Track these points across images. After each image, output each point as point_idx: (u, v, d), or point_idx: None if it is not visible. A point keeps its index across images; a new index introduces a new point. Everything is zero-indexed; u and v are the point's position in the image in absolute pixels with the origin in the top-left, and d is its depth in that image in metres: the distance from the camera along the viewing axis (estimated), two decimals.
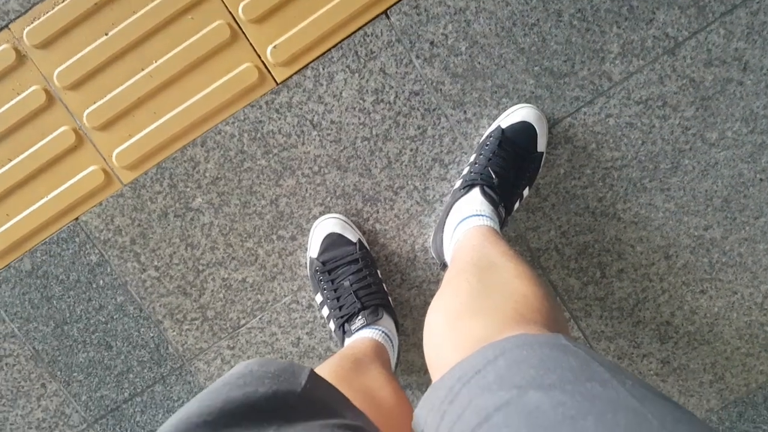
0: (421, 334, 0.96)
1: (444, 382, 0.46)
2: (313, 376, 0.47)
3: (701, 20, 0.88)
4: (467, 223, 0.79)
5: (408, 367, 0.99)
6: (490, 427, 0.36)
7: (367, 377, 0.67)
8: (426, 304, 0.96)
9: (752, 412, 1.03)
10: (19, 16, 0.87)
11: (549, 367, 0.39)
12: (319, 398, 0.45)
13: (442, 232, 0.86)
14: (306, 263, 0.94)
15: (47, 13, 0.87)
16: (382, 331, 0.84)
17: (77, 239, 0.94)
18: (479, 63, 0.89)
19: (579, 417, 0.33)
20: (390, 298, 0.91)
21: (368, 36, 0.88)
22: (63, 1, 0.86)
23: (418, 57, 0.89)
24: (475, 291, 0.59)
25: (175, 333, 0.97)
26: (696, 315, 0.98)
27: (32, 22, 0.87)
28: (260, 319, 0.97)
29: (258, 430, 0.38)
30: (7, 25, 0.87)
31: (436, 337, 0.57)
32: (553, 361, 0.40)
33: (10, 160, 0.91)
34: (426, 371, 0.96)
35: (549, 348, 0.42)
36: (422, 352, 0.59)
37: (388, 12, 0.88)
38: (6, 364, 0.98)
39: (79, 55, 0.88)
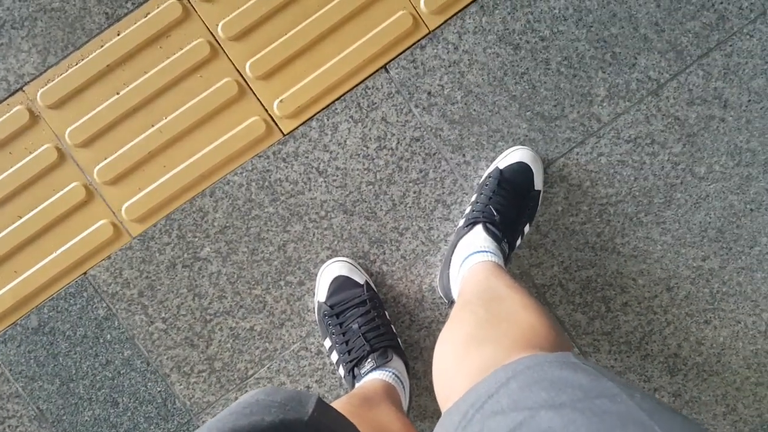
0: (432, 377, 0.96)
1: (458, 407, 0.46)
2: (321, 405, 0.47)
3: (680, 63, 0.94)
4: (472, 259, 0.81)
5: (421, 413, 0.98)
6: None
7: (377, 412, 0.67)
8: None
9: None
10: (33, 79, 0.91)
11: (560, 387, 0.40)
12: (326, 426, 0.45)
13: (449, 269, 0.88)
14: (314, 308, 0.94)
15: (61, 75, 0.91)
16: (393, 373, 0.83)
17: (85, 294, 0.94)
18: (474, 110, 0.93)
19: None
20: (399, 340, 0.91)
21: (369, 89, 0.93)
22: (77, 64, 0.91)
23: (417, 106, 0.93)
24: (483, 321, 0.60)
25: (182, 387, 0.96)
26: (702, 346, 0.99)
27: (46, 84, 0.91)
28: (269, 368, 0.96)
29: None
30: (21, 88, 0.91)
31: (445, 367, 0.57)
32: (563, 381, 0.40)
33: (20, 217, 0.92)
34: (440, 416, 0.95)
35: (559, 367, 0.42)
36: (435, 396, 0.60)
37: (387, 66, 0.93)
38: (8, 426, 0.95)
39: (91, 113, 0.91)
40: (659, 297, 0.97)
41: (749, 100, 0.94)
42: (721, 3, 0.93)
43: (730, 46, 0.93)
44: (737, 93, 0.94)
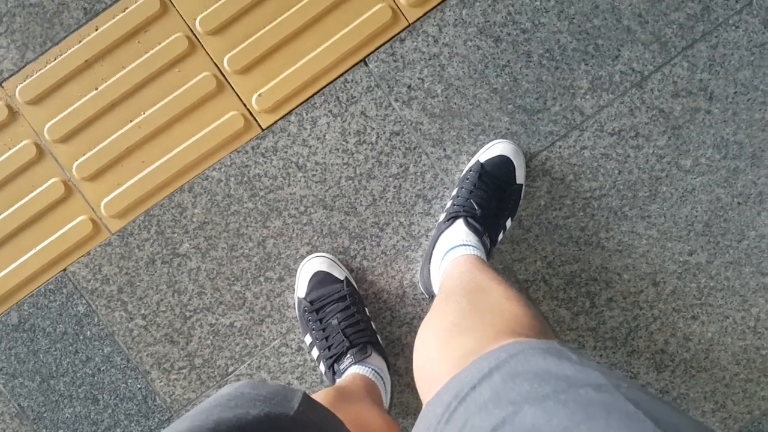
0: (413, 375, 0.95)
1: (440, 398, 0.45)
2: (307, 400, 0.46)
3: (664, 55, 0.92)
4: (454, 253, 0.80)
5: (403, 410, 0.97)
6: None
7: (358, 409, 0.66)
8: None
9: None
10: (12, 75, 0.91)
11: (543, 378, 0.38)
12: (313, 422, 0.44)
13: (429, 264, 0.87)
14: (294, 304, 0.93)
15: (39, 71, 0.91)
16: (372, 369, 0.83)
17: (65, 290, 0.93)
18: (455, 103, 0.92)
19: (572, 427, 0.32)
20: (379, 337, 0.90)
21: (348, 82, 0.92)
22: (55, 59, 0.90)
23: (396, 100, 0.92)
24: (466, 311, 0.59)
25: (162, 383, 0.95)
26: (690, 342, 0.97)
27: (25, 80, 0.91)
28: (249, 365, 0.95)
29: None
30: (0, 84, 0.91)
31: (427, 355, 0.56)
32: (547, 371, 0.39)
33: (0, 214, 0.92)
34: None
35: (543, 356, 0.41)
36: (417, 394, 0.58)
37: (367, 60, 0.92)
38: None
39: (69, 109, 0.91)
40: (645, 292, 0.96)
41: (735, 92, 0.92)
42: None
43: (716, 37, 0.92)
44: (723, 85, 0.93)
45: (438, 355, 0.54)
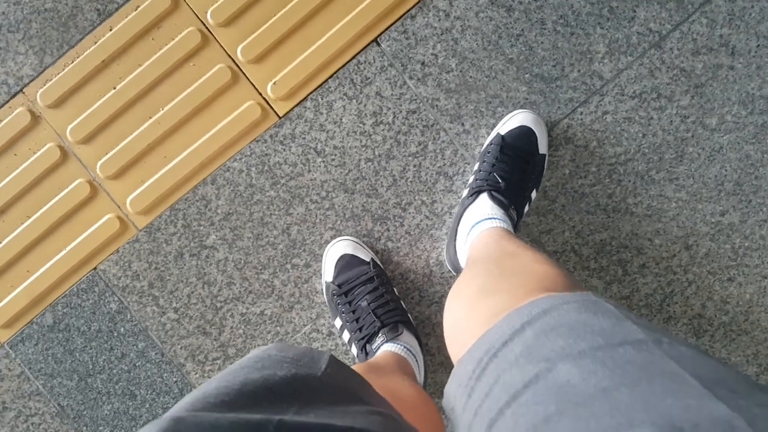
0: (447, 352, 0.94)
1: (471, 355, 0.44)
2: (334, 362, 0.46)
3: (681, 12, 0.90)
4: (480, 227, 0.79)
5: (438, 389, 0.96)
6: (518, 406, 0.34)
7: (387, 381, 0.65)
8: None
9: None
10: (32, 80, 0.92)
11: (579, 333, 0.37)
12: (340, 383, 0.44)
13: (455, 240, 0.86)
14: (322, 289, 0.93)
15: (58, 74, 0.92)
16: (404, 346, 0.82)
17: (97, 288, 0.95)
18: (471, 77, 0.92)
19: (612, 388, 0.31)
20: (410, 316, 0.90)
21: (362, 64, 0.92)
22: (73, 62, 0.92)
23: (411, 78, 0.92)
24: (495, 274, 0.58)
25: (197, 375, 0.96)
26: (728, 304, 0.95)
27: (45, 84, 0.92)
28: None
29: (277, 411, 0.36)
30: (21, 90, 0.93)
31: (457, 316, 0.55)
32: (582, 326, 0.37)
33: (29, 217, 0.94)
34: None
35: (577, 310, 0.39)
36: (451, 373, 0.57)
37: (378, 39, 0.92)
38: (32, 424, 0.97)
39: (89, 110, 0.92)
40: (678, 256, 0.94)
41: (758, 45, 0.90)
42: None
43: None
44: (745, 39, 0.90)
45: (467, 315, 0.53)
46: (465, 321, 0.52)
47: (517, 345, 0.39)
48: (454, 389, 0.45)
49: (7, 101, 0.93)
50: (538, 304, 0.42)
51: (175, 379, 0.96)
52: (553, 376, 0.34)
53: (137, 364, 0.96)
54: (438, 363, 0.95)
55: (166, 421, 0.31)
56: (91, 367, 0.96)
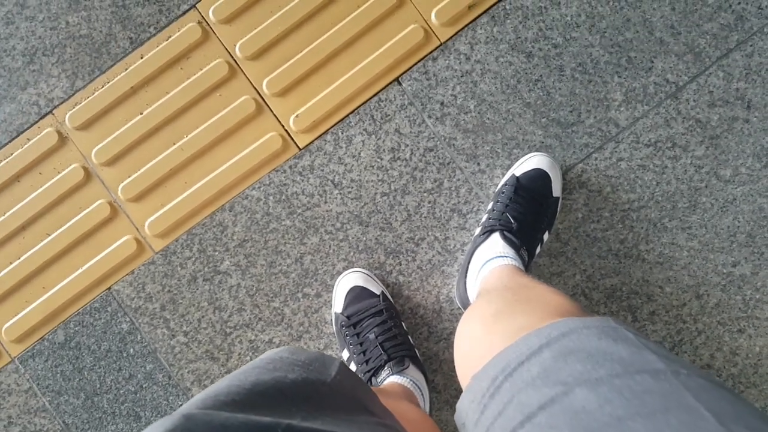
0: (453, 390, 0.94)
1: (487, 371, 0.43)
2: (344, 369, 0.46)
3: (699, 65, 0.92)
4: (491, 264, 0.80)
5: (443, 428, 0.96)
6: (532, 426, 0.34)
7: (396, 403, 0.65)
8: None
9: None
10: (62, 102, 0.95)
11: (597, 360, 0.36)
12: (348, 391, 0.44)
13: (465, 277, 0.86)
14: (332, 319, 0.94)
15: (88, 98, 0.95)
16: (410, 379, 0.82)
17: (109, 308, 0.96)
18: (488, 118, 0.93)
19: (627, 417, 0.31)
20: (417, 351, 0.90)
21: (382, 101, 0.94)
22: (102, 87, 0.95)
23: (429, 117, 0.94)
24: (512, 300, 0.57)
25: None
26: (737, 356, 0.94)
27: (74, 107, 0.95)
28: None
29: (285, 415, 0.36)
30: (51, 111, 0.96)
31: (473, 335, 0.54)
32: (601, 352, 0.37)
33: (48, 235, 0.95)
34: None
35: (597, 336, 0.39)
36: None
37: (400, 79, 0.94)
38: None
39: (115, 133, 0.95)
40: (688, 305, 0.94)
41: None
42: (739, 3, 0.91)
43: (751, 46, 0.91)
44: (761, 93, 0.92)
45: (483, 335, 0.52)
46: (480, 341, 0.51)
47: (534, 366, 0.39)
48: (467, 404, 0.45)
49: (37, 121, 0.96)
50: (557, 326, 0.42)
51: (180, 403, 0.96)
52: (569, 401, 0.34)
53: (144, 386, 0.96)
54: (443, 401, 0.95)
55: (177, 418, 0.31)
56: (98, 386, 0.97)
